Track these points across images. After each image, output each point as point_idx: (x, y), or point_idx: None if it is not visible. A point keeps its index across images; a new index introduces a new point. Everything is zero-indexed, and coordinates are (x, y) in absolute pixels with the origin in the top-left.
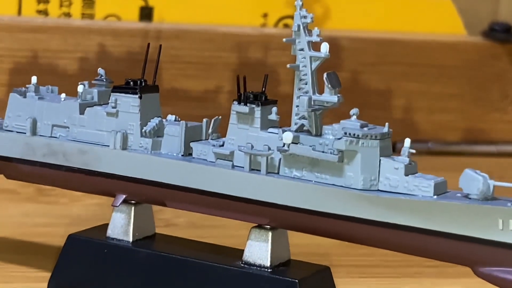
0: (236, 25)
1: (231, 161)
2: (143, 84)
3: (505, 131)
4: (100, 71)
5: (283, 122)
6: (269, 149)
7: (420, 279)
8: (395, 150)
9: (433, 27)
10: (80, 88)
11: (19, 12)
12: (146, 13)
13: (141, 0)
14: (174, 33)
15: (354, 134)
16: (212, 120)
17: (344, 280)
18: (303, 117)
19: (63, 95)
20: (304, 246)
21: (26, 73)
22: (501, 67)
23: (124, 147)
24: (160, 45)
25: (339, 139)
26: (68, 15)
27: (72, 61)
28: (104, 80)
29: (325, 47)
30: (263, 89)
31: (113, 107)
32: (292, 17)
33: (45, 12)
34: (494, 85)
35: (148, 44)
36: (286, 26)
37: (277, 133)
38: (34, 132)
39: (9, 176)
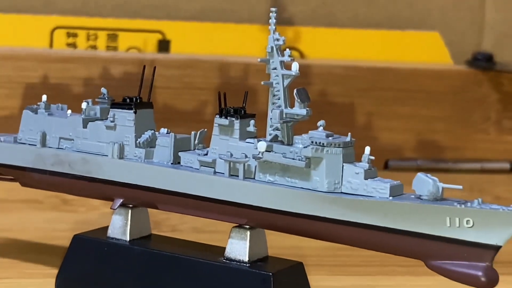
0: (243, 56)
1: (213, 168)
2: (138, 101)
3: (488, 150)
4: (103, 90)
5: (263, 134)
6: (246, 157)
7: (394, 277)
8: (388, 167)
9: (423, 57)
10: (83, 105)
11: (51, 45)
12: (163, 46)
13: (159, 34)
14: (188, 63)
15: (319, 143)
16: (198, 132)
17: (319, 277)
18: (277, 128)
19: (69, 112)
20: (284, 248)
21: (55, 97)
22: (483, 92)
23: (121, 156)
24: (154, 67)
25: (306, 147)
26: (94, 47)
27: (95, 87)
28: (106, 98)
29: (295, 66)
30: (243, 104)
31: (111, 121)
32: (295, 48)
33: (73, 45)
34: (477, 109)
35: (144, 66)
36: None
37: (253, 143)
38: (43, 144)
39: (24, 183)
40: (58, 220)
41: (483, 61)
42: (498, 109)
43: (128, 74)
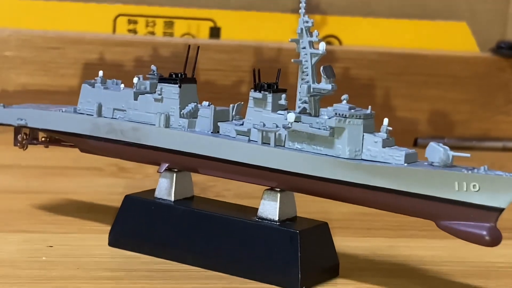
0: (280, 42)
1: (248, 136)
2: (182, 77)
3: (509, 130)
4: (153, 67)
5: (293, 107)
6: (277, 126)
7: (412, 239)
8: (417, 144)
9: (451, 45)
10: (135, 80)
11: (114, 30)
12: (214, 32)
13: (211, 22)
14: (235, 48)
15: (342, 114)
16: (236, 105)
17: (344, 238)
18: (305, 102)
19: (122, 85)
20: (312, 212)
21: (114, 76)
22: (506, 78)
23: (167, 125)
24: (198, 47)
25: (330, 118)
26: (152, 33)
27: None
28: (155, 75)
29: (322, 46)
30: (276, 80)
31: (159, 94)
32: (334, 36)
33: (134, 31)
34: (499, 93)
35: (189, 46)
36: (329, 44)
37: (283, 114)
38: (99, 114)
39: (82, 149)
40: (115, 185)
41: (506, 49)
42: None
43: (181, 57)
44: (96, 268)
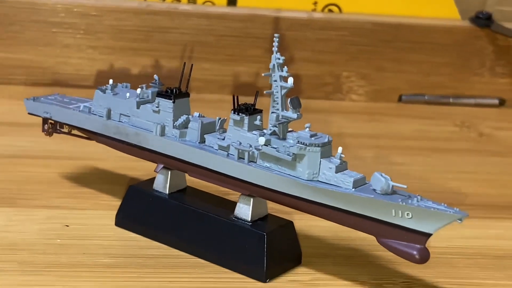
0: (293, 10)
1: (227, 151)
2: (177, 92)
3: (481, 90)
4: (155, 77)
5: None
6: (250, 146)
7: None
8: (401, 100)
9: (436, 13)
10: (138, 90)
11: None
12: (232, 0)
13: None
14: (248, 16)
15: (303, 143)
16: (220, 120)
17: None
18: (275, 125)
19: (128, 94)
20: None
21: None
22: (481, 45)
23: (162, 134)
24: (192, 64)
25: (293, 146)
26: (178, 1)
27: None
28: (157, 84)
29: (290, 80)
30: (254, 101)
31: (156, 107)
32: (335, 4)
33: None
34: (475, 58)
35: (184, 63)
36: (330, 11)
37: (257, 135)
38: (108, 117)
39: (97, 141)
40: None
41: (483, 19)
42: (492, 58)
43: (202, 25)
44: (99, 254)
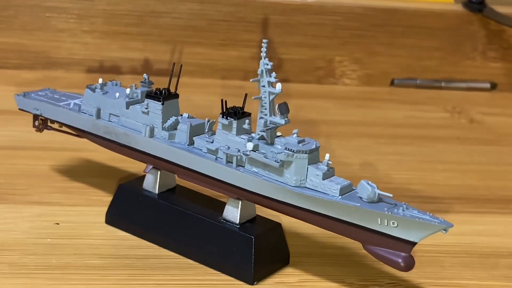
0: None
1: (216, 155)
2: (166, 94)
3: (473, 73)
4: (145, 76)
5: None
6: (239, 151)
7: None
8: (393, 84)
9: None
10: (128, 90)
11: None
12: None
13: None
14: (241, 1)
15: (291, 149)
16: (209, 123)
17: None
18: (263, 131)
19: (117, 94)
20: None
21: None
22: (473, 30)
23: (151, 135)
24: (181, 65)
25: (280, 153)
26: None
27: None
28: (147, 83)
29: (279, 86)
30: (243, 105)
31: (145, 108)
32: None
33: None
34: (467, 42)
35: (174, 63)
36: None
37: (245, 139)
38: (98, 116)
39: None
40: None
41: (475, 4)
42: (484, 42)
43: (194, 9)
44: (89, 254)
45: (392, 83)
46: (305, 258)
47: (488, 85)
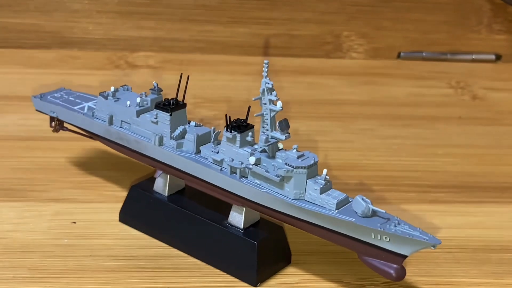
0: None
1: (221, 165)
2: (174, 104)
3: (478, 46)
4: (154, 83)
5: None
6: (242, 163)
7: None
8: (400, 57)
9: None
10: (138, 99)
11: None
12: None
13: None
14: None
15: (291, 165)
16: (215, 133)
17: None
18: (265, 145)
19: (128, 102)
20: None
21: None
22: (479, 4)
23: (160, 144)
24: (188, 76)
25: (280, 168)
26: None
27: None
28: (156, 90)
29: (279, 104)
30: (246, 117)
31: (155, 118)
32: None
33: None
34: (472, 16)
35: (181, 74)
36: None
37: (249, 152)
38: (110, 123)
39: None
40: None
41: None
42: (489, 16)
43: None
44: (103, 256)
45: (398, 56)
46: (305, 257)
47: (493, 57)
